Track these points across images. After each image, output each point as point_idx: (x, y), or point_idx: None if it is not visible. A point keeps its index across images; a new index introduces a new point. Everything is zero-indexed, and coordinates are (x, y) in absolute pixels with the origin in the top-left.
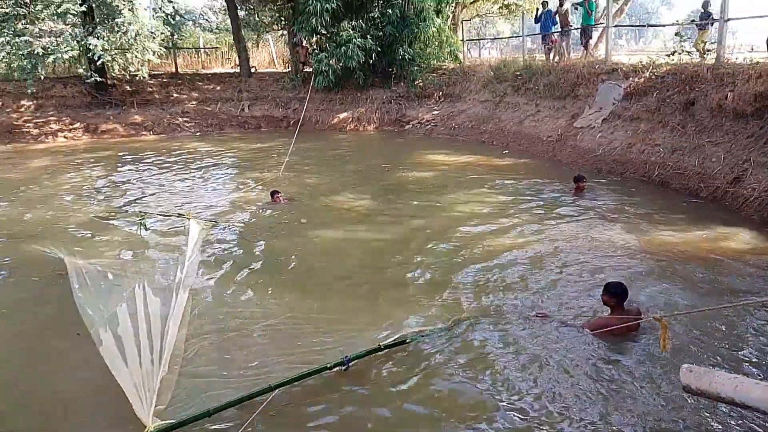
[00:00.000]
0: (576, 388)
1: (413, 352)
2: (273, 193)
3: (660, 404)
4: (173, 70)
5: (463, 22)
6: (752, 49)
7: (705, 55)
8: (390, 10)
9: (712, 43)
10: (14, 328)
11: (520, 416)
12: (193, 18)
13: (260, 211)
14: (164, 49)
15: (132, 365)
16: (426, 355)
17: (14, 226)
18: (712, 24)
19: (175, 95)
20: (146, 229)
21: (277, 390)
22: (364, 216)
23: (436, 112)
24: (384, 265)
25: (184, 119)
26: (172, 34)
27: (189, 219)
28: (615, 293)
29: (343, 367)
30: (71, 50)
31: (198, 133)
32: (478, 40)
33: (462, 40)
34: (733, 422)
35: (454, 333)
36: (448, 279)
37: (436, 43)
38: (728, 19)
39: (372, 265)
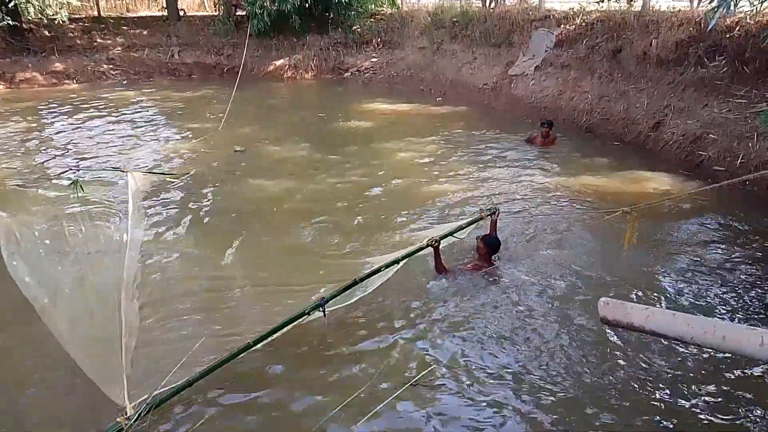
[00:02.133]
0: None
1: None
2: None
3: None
4: (96, 13)
5: None
6: None
7: (632, 2)
8: None
9: None
10: None
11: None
12: None
13: (199, 162)
14: None
15: (91, 343)
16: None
17: None
18: None
19: (98, 41)
20: (82, 190)
21: (258, 345)
22: (304, 166)
23: (374, 60)
24: (329, 213)
25: (110, 66)
26: None
27: (126, 173)
28: (490, 244)
29: (321, 311)
30: None
31: (125, 81)
32: None
33: None
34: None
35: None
36: (390, 221)
37: None
38: None
39: (317, 214)
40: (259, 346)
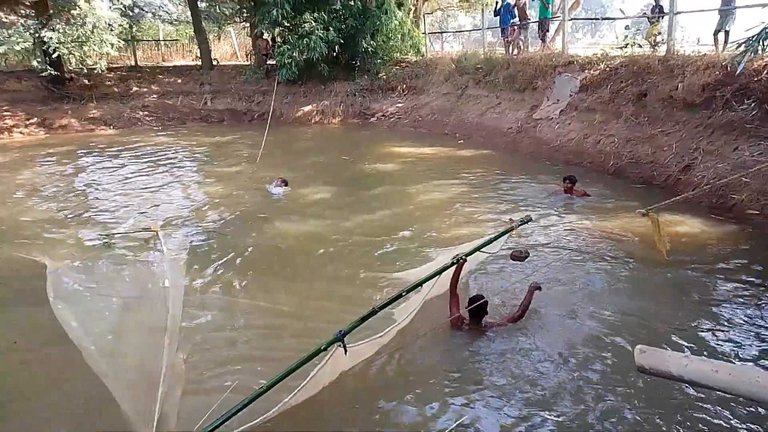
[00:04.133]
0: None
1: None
2: (276, 180)
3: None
4: (133, 63)
5: (425, 16)
6: (699, 41)
7: (656, 48)
8: (352, 2)
9: (660, 34)
10: None
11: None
12: (153, 10)
13: (230, 205)
14: (123, 42)
15: (129, 379)
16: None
17: None
18: (662, 17)
19: (135, 89)
20: (111, 248)
21: (273, 388)
22: (331, 207)
23: (399, 105)
24: (354, 251)
25: (145, 113)
26: (131, 27)
27: (156, 232)
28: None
29: (339, 344)
30: (23, 42)
31: (159, 127)
32: (440, 33)
33: (424, 33)
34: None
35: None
36: (414, 261)
37: (399, 36)
38: (677, 12)
39: (342, 252)
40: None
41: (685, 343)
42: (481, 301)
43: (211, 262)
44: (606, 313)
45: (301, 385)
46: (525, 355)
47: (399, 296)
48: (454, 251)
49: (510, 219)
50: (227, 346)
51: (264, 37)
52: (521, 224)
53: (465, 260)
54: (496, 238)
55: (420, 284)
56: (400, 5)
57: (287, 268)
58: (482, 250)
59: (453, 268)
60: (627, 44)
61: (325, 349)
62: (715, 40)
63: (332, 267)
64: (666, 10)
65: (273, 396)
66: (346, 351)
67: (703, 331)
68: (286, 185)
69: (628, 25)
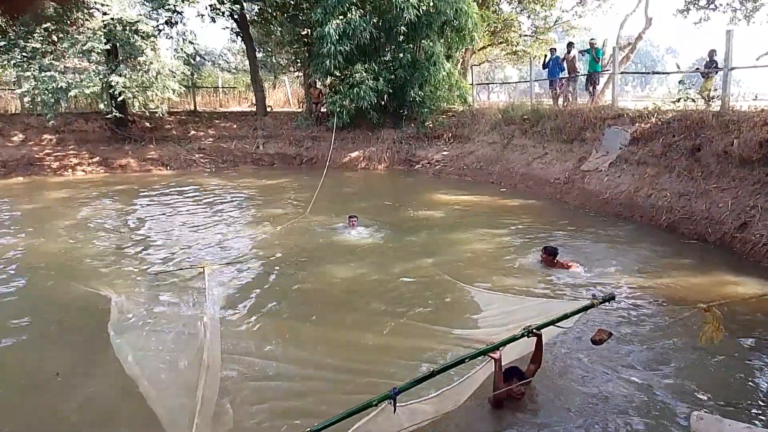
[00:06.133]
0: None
1: None
2: (350, 218)
3: None
4: (192, 107)
5: (473, 67)
6: (756, 97)
7: (710, 102)
8: (402, 54)
9: (715, 90)
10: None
11: None
12: (213, 59)
13: (278, 247)
14: (184, 88)
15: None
16: None
17: (35, 256)
18: (716, 72)
19: (192, 132)
20: (161, 281)
21: None
22: (375, 252)
23: (445, 153)
24: (397, 299)
25: (200, 155)
26: (192, 74)
27: (203, 269)
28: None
29: (391, 402)
30: (93, 86)
31: (213, 169)
32: (487, 84)
33: (471, 84)
34: None
35: None
36: (467, 313)
37: (446, 86)
38: (732, 68)
39: (389, 300)
40: None
41: (747, 414)
42: (527, 381)
43: (256, 302)
44: (661, 376)
45: None
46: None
47: (461, 361)
48: (508, 299)
49: (593, 295)
50: (265, 394)
51: (317, 86)
52: (603, 302)
53: (540, 334)
54: (574, 314)
55: (485, 353)
56: (448, 57)
57: (334, 314)
58: (557, 324)
59: (525, 339)
60: (680, 98)
61: (375, 404)
62: None
63: (381, 317)
64: (720, 64)
65: None
66: (395, 409)
67: (765, 403)
68: (356, 220)
69: (682, 80)
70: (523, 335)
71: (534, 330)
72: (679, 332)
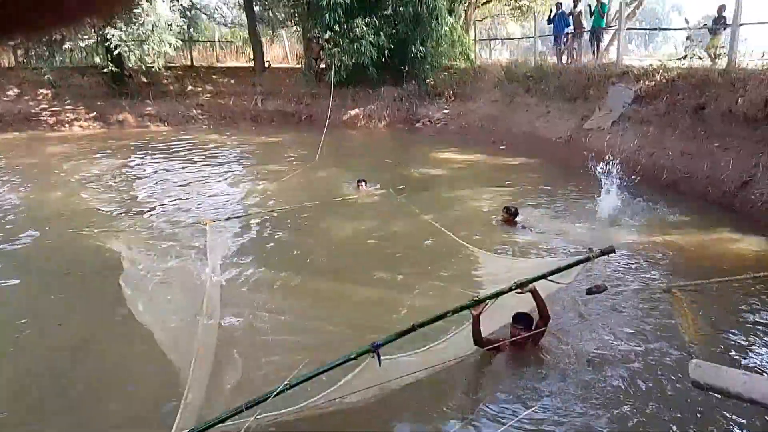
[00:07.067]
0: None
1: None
2: (359, 182)
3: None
4: (189, 63)
5: (476, 23)
6: (763, 55)
7: (716, 60)
8: (403, 8)
9: (722, 47)
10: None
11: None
12: (209, 12)
13: (278, 203)
14: (180, 42)
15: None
16: None
17: (39, 210)
18: (724, 29)
19: (190, 88)
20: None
21: (297, 386)
22: (375, 209)
23: (446, 111)
24: (396, 256)
25: (198, 112)
26: (189, 27)
27: (206, 224)
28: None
29: (372, 355)
30: (88, 38)
31: (211, 126)
32: (490, 40)
33: (474, 40)
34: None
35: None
36: (459, 271)
37: (448, 43)
38: (741, 24)
39: (385, 256)
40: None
41: (745, 362)
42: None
43: (258, 257)
44: (655, 327)
45: (329, 390)
46: (574, 374)
47: (443, 315)
48: (505, 261)
49: (589, 248)
50: (261, 337)
51: (318, 42)
52: (601, 255)
53: (532, 289)
54: (568, 267)
55: (468, 307)
56: (450, 12)
57: (333, 269)
58: (551, 278)
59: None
60: (686, 55)
61: (355, 358)
62: None
63: (379, 271)
64: (729, 21)
65: (301, 394)
66: (380, 363)
67: (763, 352)
68: (365, 184)
69: (689, 36)
70: (510, 289)
71: (520, 284)
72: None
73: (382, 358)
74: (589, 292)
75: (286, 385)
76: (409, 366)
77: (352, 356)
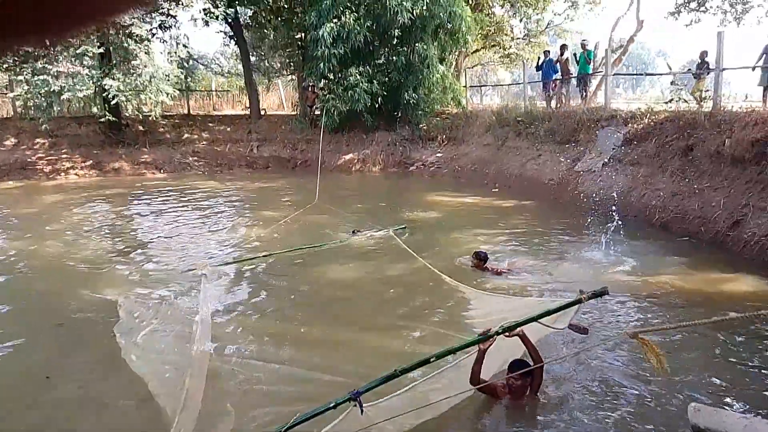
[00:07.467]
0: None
1: None
2: (353, 232)
3: None
4: (186, 111)
5: (466, 70)
6: (747, 97)
7: (702, 103)
8: (396, 57)
9: (707, 91)
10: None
11: None
12: (206, 62)
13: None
14: (177, 91)
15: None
16: None
17: (34, 259)
18: (708, 73)
19: (186, 135)
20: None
21: None
22: (370, 253)
23: (439, 155)
24: (391, 301)
25: (194, 158)
26: (186, 77)
27: (202, 269)
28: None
29: (353, 403)
30: (86, 90)
31: (206, 173)
32: (480, 86)
33: (465, 86)
34: None
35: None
36: (453, 314)
37: (440, 89)
38: (723, 69)
39: (380, 301)
40: None
41: (742, 405)
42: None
43: (253, 303)
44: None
45: None
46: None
47: (426, 361)
48: (502, 299)
49: (580, 290)
50: (265, 397)
51: (313, 90)
52: (593, 297)
53: (519, 333)
54: (558, 309)
55: (453, 351)
56: (442, 60)
57: (329, 315)
58: (541, 321)
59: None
60: (672, 99)
61: (334, 407)
62: (764, 96)
63: (373, 317)
64: (712, 66)
65: None
66: (362, 411)
67: (762, 393)
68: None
69: (674, 81)
70: (497, 333)
71: (506, 328)
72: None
73: (364, 405)
74: (571, 327)
75: None
76: (394, 411)
77: (332, 405)
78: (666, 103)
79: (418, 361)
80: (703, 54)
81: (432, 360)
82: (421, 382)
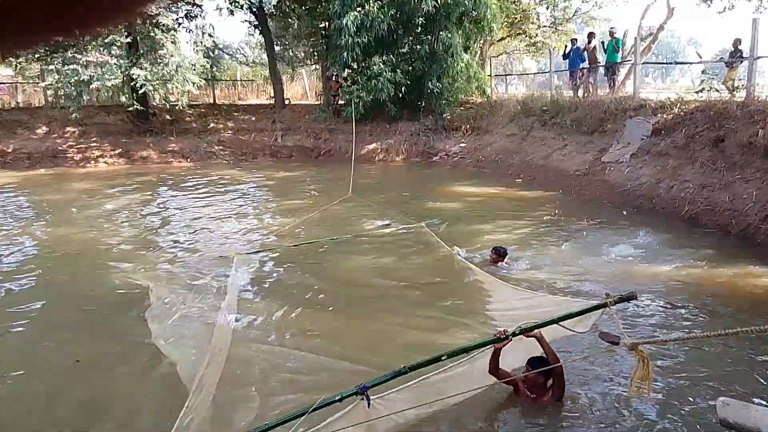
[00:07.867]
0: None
1: None
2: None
3: None
4: (211, 100)
5: (491, 59)
6: None
7: (734, 92)
8: (419, 46)
9: (740, 80)
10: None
11: None
12: (231, 52)
13: (299, 238)
14: (203, 81)
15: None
16: None
17: (65, 246)
18: (741, 62)
19: (211, 125)
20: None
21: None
22: (398, 243)
23: (463, 145)
24: (418, 292)
25: (219, 147)
26: (211, 67)
27: (233, 257)
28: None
29: (360, 397)
30: (114, 79)
31: (231, 162)
32: (505, 75)
33: (490, 76)
34: None
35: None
36: (476, 307)
37: (464, 78)
38: (758, 57)
39: (407, 292)
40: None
41: None
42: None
43: (281, 291)
44: (684, 366)
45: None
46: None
47: (438, 359)
48: (526, 293)
49: (606, 293)
50: (289, 385)
51: (336, 79)
52: (619, 302)
53: (537, 335)
54: (580, 314)
55: (467, 350)
56: (466, 49)
57: (355, 305)
58: (562, 324)
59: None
60: (703, 88)
61: (340, 400)
62: None
63: (400, 308)
64: (746, 54)
65: None
66: (369, 404)
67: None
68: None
69: (705, 69)
70: (515, 334)
71: (524, 329)
72: (703, 322)
73: (372, 398)
74: (602, 336)
75: (269, 424)
76: (402, 404)
77: (337, 398)
78: (697, 92)
79: (429, 358)
80: (737, 42)
81: (444, 358)
82: (432, 375)
